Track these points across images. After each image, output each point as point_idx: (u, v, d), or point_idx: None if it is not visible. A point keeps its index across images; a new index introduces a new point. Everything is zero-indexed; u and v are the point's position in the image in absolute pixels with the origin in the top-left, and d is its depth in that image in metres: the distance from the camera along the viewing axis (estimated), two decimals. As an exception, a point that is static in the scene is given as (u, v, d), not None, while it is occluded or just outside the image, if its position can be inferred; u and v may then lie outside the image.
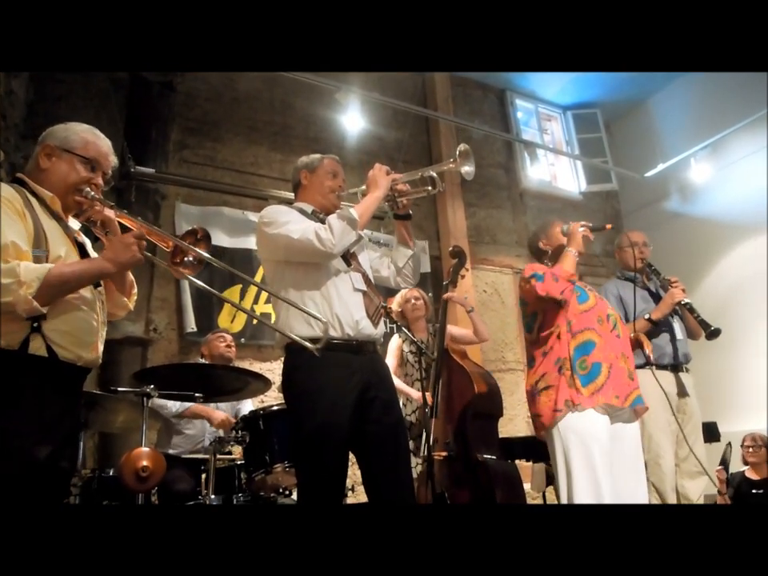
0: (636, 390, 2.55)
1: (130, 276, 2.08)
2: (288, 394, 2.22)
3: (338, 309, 2.20)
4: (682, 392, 3.37)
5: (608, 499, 2.33)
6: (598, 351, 2.51)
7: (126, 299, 2.07)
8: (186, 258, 1.91)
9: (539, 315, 2.70)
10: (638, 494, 2.50)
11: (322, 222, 2.30)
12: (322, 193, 2.44)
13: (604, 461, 2.38)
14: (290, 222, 2.23)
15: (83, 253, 1.89)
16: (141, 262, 1.80)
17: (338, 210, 2.23)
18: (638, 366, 3.39)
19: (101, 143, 1.94)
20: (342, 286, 2.26)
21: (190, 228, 2.04)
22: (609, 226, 2.86)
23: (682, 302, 3.37)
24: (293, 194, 5.12)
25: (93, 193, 1.88)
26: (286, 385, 2.23)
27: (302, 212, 2.38)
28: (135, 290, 2.12)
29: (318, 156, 2.52)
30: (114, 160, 1.98)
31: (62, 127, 1.92)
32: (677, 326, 3.45)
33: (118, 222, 2.00)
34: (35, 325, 1.65)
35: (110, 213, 1.94)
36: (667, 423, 3.32)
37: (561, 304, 2.58)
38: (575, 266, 2.64)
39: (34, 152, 1.88)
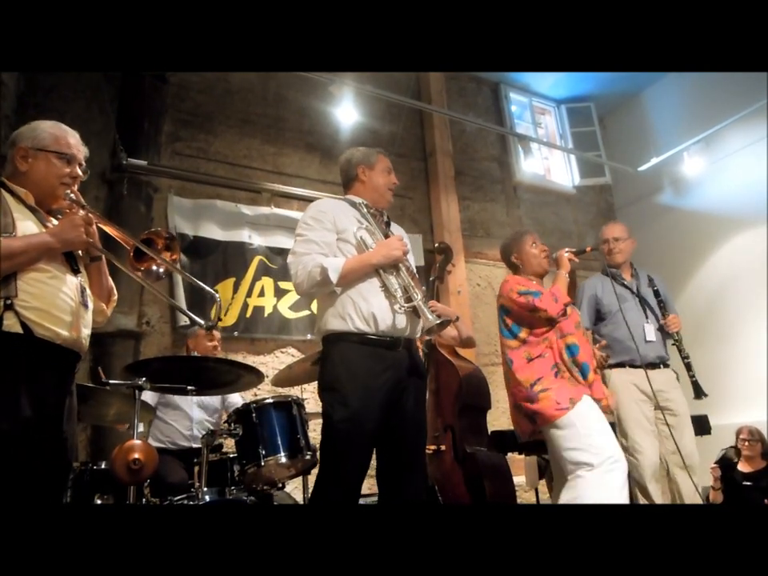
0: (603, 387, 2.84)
1: (110, 282, 2.14)
2: (321, 385, 2.25)
3: (375, 305, 2.21)
4: (661, 388, 3.37)
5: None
6: (581, 353, 2.75)
7: (103, 305, 2.12)
8: (151, 267, 2.02)
9: (524, 325, 2.85)
10: None
11: (374, 216, 2.38)
12: (380, 191, 2.48)
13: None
14: (303, 237, 2.28)
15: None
16: (86, 245, 1.92)
17: (325, 261, 2.17)
18: (612, 366, 3.43)
19: (69, 136, 2.00)
20: (379, 280, 2.27)
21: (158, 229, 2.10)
22: (589, 249, 3.09)
23: (684, 359, 3.47)
24: (286, 187, 5.09)
25: (72, 195, 1.96)
26: (320, 376, 2.27)
27: (353, 205, 2.40)
28: (115, 297, 2.18)
29: (372, 151, 2.55)
30: (84, 150, 2.05)
31: (28, 127, 1.98)
32: (649, 327, 3.45)
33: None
34: (8, 302, 1.70)
35: (82, 213, 1.98)
36: (645, 420, 3.33)
37: (552, 323, 2.79)
38: (567, 286, 2.89)
39: (9, 155, 1.95)
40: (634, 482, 3.34)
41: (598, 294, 3.57)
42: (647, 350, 3.40)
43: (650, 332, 3.43)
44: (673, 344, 3.50)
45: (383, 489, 2.26)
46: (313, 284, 2.18)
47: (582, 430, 2.56)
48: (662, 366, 3.46)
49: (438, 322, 2.14)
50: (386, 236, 2.36)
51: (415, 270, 2.41)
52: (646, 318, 3.48)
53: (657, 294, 3.52)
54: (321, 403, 2.25)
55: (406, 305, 2.20)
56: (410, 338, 2.30)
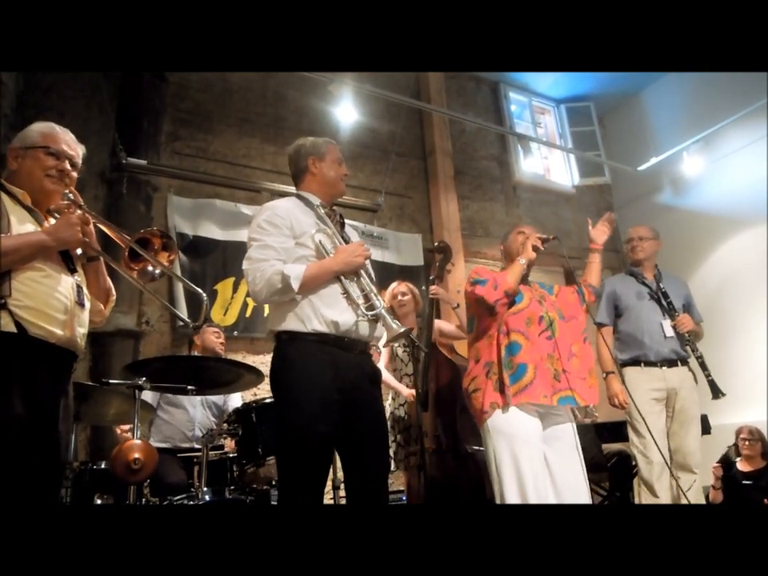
0: (564, 391, 2.58)
1: (108, 283, 2.15)
2: (275, 385, 2.18)
3: (336, 312, 2.16)
4: (675, 387, 3.41)
5: (533, 499, 2.39)
6: (524, 353, 2.57)
7: (101, 305, 2.13)
8: (147, 267, 2.02)
9: (476, 319, 2.78)
10: (579, 490, 2.53)
11: (328, 216, 2.31)
12: (331, 182, 2.40)
13: (532, 464, 2.45)
14: (259, 242, 2.20)
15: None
16: (82, 244, 1.94)
17: (286, 268, 2.11)
18: (627, 362, 3.48)
19: (58, 132, 2.02)
20: (341, 287, 2.23)
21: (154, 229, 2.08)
22: (552, 237, 2.86)
23: (698, 358, 3.47)
24: (286, 186, 5.08)
25: (70, 194, 1.97)
26: (273, 375, 2.19)
27: (308, 203, 2.34)
28: (113, 297, 2.19)
29: (321, 141, 2.45)
30: (80, 148, 2.06)
31: (23, 131, 2.02)
32: (666, 323, 3.48)
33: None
34: (1, 302, 1.72)
35: (79, 213, 2.00)
36: (657, 419, 3.36)
37: (491, 312, 2.64)
38: (519, 277, 2.68)
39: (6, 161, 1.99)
40: (641, 480, 3.37)
41: (617, 290, 3.66)
42: (663, 345, 3.46)
43: (668, 328, 3.48)
44: (685, 343, 3.51)
45: (349, 493, 2.21)
46: (273, 292, 2.12)
47: (490, 463, 2.53)
48: (679, 363, 3.49)
49: (402, 330, 2.12)
50: (344, 239, 2.31)
51: (373, 274, 2.35)
52: (663, 315, 3.52)
53: (666, 295, 3.56)
54: (275, 404, 2.19)
55: (368, 313, 2.18)
56: (367, 342, 2.26)
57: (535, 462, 2.46)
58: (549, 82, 7.26)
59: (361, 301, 2.19)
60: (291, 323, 2.15)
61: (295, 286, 2.08)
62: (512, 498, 2.43)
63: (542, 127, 7.53)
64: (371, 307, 2.18)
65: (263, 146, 5.42)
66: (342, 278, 2.19)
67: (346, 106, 5.27)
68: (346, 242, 2.32)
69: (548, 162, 7.52)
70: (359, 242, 2.32)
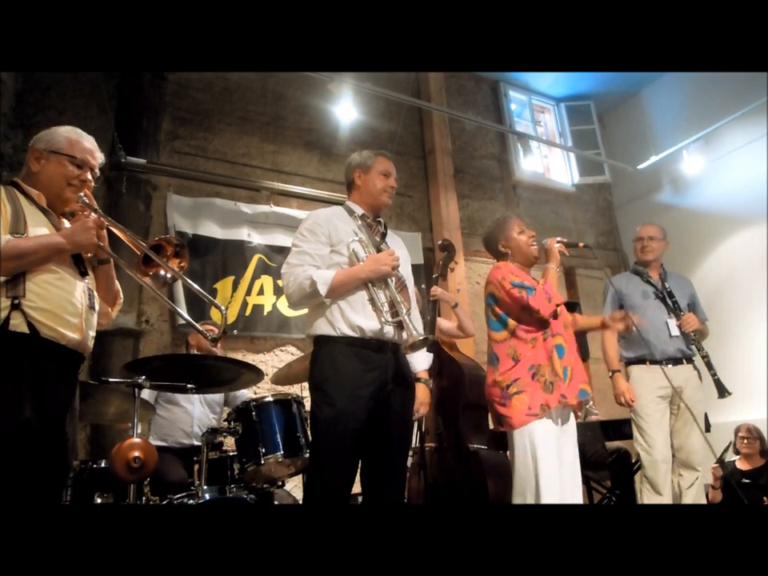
0: (581, 384, 2.64)
1: (117, 286, 2.17)
2: (310, 383, 2.29)
3: (362, 317, 2.26)
4: (680, 385, 3.41)
5: (569, 497, 2.45)
6: (567, 356, 2.62)
7: (108, 308, 2.15)
8: (159, 272, 2.03)
9: (511, 318, 2.68)
10: (576, 492, 2.56)
11: (370, 226, 2.43)
12: (374, 194, 2.49)
13: (556, 463, 2.48)
14: (298, 249, 2.33)
15: None
16: (96, 248, 1.96)
17: (315, 274, 2.22)
18: (632, 361, 3.50)
19: (84, 141, 2.03)
20: (368, 293, 2.32)
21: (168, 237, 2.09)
22: (581, 245, 2.86)
23: (703, 357, 3.48)
24: (285, 185, 5.11)
25: (85, 198, 1.98)
26: (310, 374, 2.31)
27: (350, 214, 2.45)
28: (121, 300, 2.21)
29: (371, 154, 2.55)
30: (100, 156, 2.07)
31: (46, 131, 2.03)
32: (671, 322, 3.49)
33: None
34: (15, 302, 1.73)
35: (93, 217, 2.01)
36: (661, 417, 3.37)
37: (544, 325, 2.63)
38: (557, 281, 2.71)
39: (26, 159, 1.99)
40: (645, 477, 3.38)
41: (622, 289, 3.67)
42: (668, 344, 3.47)
43: (674, 327, 3.49)
44: (691, 342, 3.53)
45: (365, 489, 2.31)
46: (303, 295, 2.25)
47: (527, 465, 2.49)
48: (684, 361, 3.50)
49: (422, 338, 2.18)
50: (378, 249, 2.39)
51: (406, 281, 2.45)
52: (669, 314, 3.53)
53: (671, 295, 3.57)
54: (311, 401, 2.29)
55: (391, 319, 2.26)
56: (397, 344, 2.34)
57: (557, 463, 2.50)
58: (549, 81, 7.25)
59: (385, 308, 2.27)
60: (323, 327, 2.29)
61: (322, 290, 2.20)
62: (553, 499, 2.42)
63: (541, 126, 7.52)
64: (395, 314, 2.27)
65: (263, 145, 5.42)
66: (370, 285, 2.29)
67: (345, 105, 5.27)
68: (380, 251, 2.39)
69: (548, 161, 7.51)
70: (389, 250, 2.37)
